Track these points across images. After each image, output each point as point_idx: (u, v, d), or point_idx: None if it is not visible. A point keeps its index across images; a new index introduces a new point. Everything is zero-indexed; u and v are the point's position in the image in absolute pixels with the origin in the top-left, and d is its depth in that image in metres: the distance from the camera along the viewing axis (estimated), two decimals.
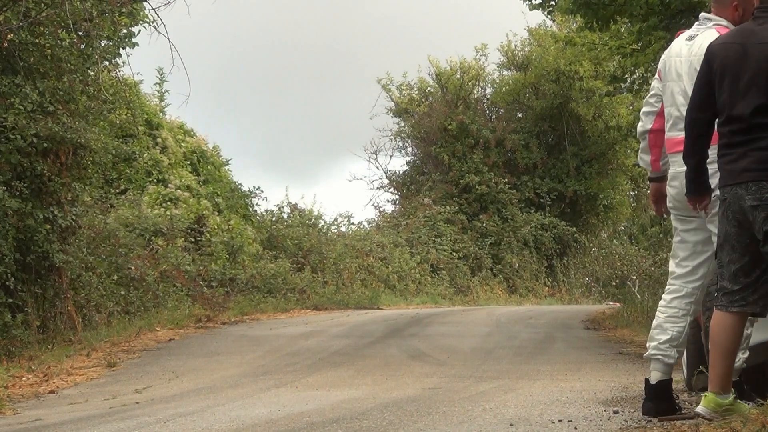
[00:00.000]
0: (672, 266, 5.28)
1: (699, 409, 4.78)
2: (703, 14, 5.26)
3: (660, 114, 5.30)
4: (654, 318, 5.32)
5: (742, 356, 5.06)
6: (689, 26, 5.43)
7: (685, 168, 4.91)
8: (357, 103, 54.21)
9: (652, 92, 5.38)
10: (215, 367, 9.58)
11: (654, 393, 5.18)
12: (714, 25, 5.15)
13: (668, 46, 5.45)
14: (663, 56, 5.36)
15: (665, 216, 5.50)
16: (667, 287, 5.29)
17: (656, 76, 5.40)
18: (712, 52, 4.77)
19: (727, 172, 4.66)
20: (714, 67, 4.72)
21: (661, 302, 5.29)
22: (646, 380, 5.22)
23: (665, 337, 5.17)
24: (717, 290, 4.78)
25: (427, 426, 5.37)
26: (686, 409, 5.25)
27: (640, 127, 5.40)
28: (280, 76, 54.58)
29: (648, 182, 5.54)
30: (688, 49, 5.18)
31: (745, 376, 5.28)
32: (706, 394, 4.77)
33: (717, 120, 4.74)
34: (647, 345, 5.28)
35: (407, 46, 50.78)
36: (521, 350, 10.61)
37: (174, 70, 11.55)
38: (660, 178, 5.38)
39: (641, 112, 5.42)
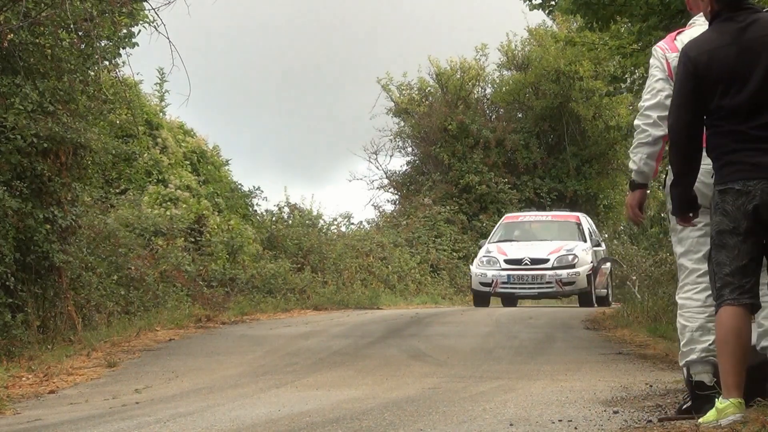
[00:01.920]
0: (694, 265, 5.06)
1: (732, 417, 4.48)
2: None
3: None
4: (682, 318, 5.03)
5: None
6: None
7: (707, 164, 4.73)
8: (357, 103, 54.26)
9: (664, 93, 5.03)
10: (215, 367, 9.57)
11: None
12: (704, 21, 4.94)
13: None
14: (673, 54, 5.02)
15: (643, 222, 5.31)
16: (694, 286, 5.04)
17: (662, 76, 5.09)
18: (698, 61, 4.62)
19: (753, 165, 4.55)
20: (706, 76, 4.60)
21: (690, 302, 5.03)
22: (700, 383, 4.93)
23: (713, 338, 4.81)
24: (720, 285, 4.59)
25: (427, 426, 5.37)
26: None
27: (655, 131, 5.06)
28: (280, 76, 54.64)
29: (631, 189, 5.16)
30: None
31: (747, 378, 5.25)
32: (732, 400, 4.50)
33: (732, 119, 4.61)
34: (687, 349, 4.98)
35: (407, 46, 50.79)
36: (521, 350, 10.59)
37: (174, 70, 11.57)
38: (646, 185, 5.20)
39: (656, 116, 5.05)
